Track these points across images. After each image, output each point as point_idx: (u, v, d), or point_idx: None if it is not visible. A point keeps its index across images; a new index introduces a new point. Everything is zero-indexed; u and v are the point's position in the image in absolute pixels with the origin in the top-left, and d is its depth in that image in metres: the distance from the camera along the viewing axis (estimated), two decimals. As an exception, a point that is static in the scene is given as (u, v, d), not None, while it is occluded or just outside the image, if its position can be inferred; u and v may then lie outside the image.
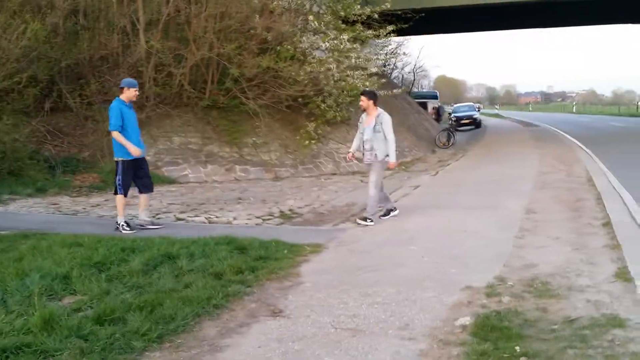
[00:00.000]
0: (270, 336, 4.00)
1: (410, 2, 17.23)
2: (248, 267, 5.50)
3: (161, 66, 13.55)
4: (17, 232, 7.25)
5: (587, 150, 17.04)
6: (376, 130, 7.94)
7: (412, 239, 6.72)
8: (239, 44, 13.61)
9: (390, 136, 7.93)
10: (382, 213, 8.37)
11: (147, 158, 13.18)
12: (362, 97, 8.11)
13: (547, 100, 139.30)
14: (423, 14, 17.21)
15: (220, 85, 14.35)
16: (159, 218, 8.92)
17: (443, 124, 32.56)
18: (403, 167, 15.96)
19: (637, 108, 51.61)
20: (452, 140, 22.47)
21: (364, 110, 8.14)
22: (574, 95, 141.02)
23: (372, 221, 7.89)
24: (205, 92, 14.20)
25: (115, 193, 7.74)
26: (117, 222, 7.70)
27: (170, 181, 12.61)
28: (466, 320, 4.00)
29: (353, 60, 14.10)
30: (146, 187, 8.04)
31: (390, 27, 14.62)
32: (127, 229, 7.57)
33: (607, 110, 67.71)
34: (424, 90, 50.18)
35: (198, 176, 13.04)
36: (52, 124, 12.82)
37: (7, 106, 11.73)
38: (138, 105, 13.45)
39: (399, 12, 15.72)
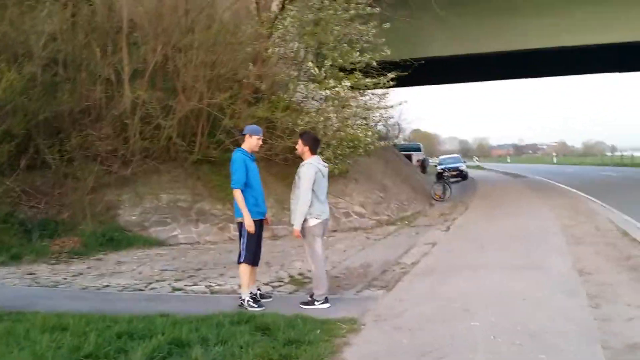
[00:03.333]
0: None
1: (404, 53, 16.52)
2: (280, 357, 4.36)
3: (148, 118, 12.51)
4: (-14, 312, 6.02)
5: (597, 201, 16.22)
6: (295, 185, 6.41)
7: (465, 310, 5.62)
8: (231, 93, 12.69)
9: (304, 193, 6.19)
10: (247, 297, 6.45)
11: (132, 218, 12.18)
12: (299, 141, 6.56)
13: (519, 152, 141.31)
14: (423, 62, 16.54)
15: (211, 138, 13.32)
16: (152, 288, 7.73)
17: (429, 176, 31.92)
18: (406, 222, 14.98)
19: (622, 157, 51.73)
20: (448, 192, 21.60)
21: (300, 156, 6.60)
22: (545, 147, 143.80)
23: (324, 302, 6.31)
24: (195, 146, 13.15)
25: (239, 262, 6.53)
26: (240, 298, 6.47)
27: (159, 243, 11.42)
28: None
29: (354, 109, 13.22)
30: (258, 257, 6.75)
31: (391, 75, 13.79)
32: (255, 305, 6.30)
33: (588, 160, 67.99)
34: (407, 142, 49.69)
35: (189, 237, 11.87)
36: (28, 183, 11.59)
37: (-22, 164, 10.56)
38: (123, 161, 12.49)
39: (398, 61, 14.95)
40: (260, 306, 6.28)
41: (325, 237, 6.74)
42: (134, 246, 10.96)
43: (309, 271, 8.68)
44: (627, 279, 6.63)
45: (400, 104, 14.36)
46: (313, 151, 6.49)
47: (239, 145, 12.93)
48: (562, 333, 4.71)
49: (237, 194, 6.41)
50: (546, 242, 9.48)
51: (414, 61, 15.51)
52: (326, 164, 6.61)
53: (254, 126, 6.85)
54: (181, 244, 11.55)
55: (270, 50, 13.51)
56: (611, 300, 5.70)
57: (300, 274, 8.53)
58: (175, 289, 7.65)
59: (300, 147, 6.53)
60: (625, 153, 54.76)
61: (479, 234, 11.04)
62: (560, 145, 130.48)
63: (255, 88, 13.44)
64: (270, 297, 6.82)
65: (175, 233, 11.82)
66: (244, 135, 6.65)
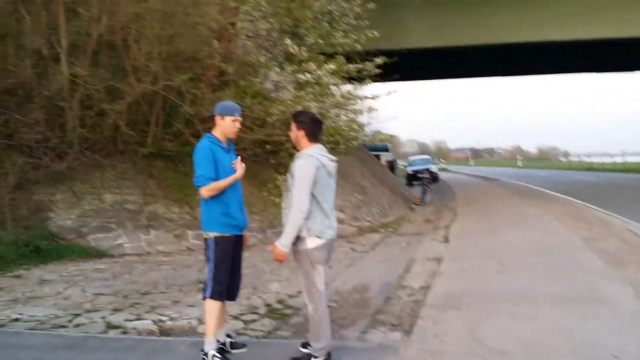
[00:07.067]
0: None
1: (380, 42, 14.64)
2: None
3: (90, 102, 10.35)
4: None
5: (598, 209, 14.64)
6: (287, 188, 4.43)
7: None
8: (192, 75, 10.61)
9: (299, 199, 4.19)
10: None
11: (67, 223, 9.97)
12: (292, 125, 4.52)
13: (477, 155, 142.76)
14: (413, 50, 14.81)
15: (167, 128, 11.22)
16: (78, 324, 5.62)
17: (399, 178, 30.59)
18: (391, 230, 13.15)
19: (591, 163, 51.21)
20: (427, 196, 19.91)
21: (295, 146, 4.67)
22: (501, 151, 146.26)
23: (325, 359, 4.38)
24: (147, 137, 11.02)
25: (204, 296, 4.47)
26: (202, 351, 4.40)
27: (99, 254, 9.27)
28: None
29: (337, 98, 11.29)
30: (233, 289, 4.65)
31: (378, 60, 11.86)
32: None
33: (554, 164, 67.63)
34: (376, 143, 48.28)
35: (137, 246, 9.74)
36: None
37: None
38: (57, 153, 10.28)
39: (383, 50, 13.05)
40: None
41: (329, 265, 4.70)
42: (66, 258, 8.80)
43: (290, 297, 6.77)
44: None
45: (389, 93, 12.39)
46: (312, 138, 4.42)
47: (199, 136, 10.95)
48: None
49: (204, 193, 4.39)
50: (579, 262, 7.68)
51: (400, 50, 13.73)
52: (334, 158, 4.54)
53: (228, 103, 4.72)
54: (127, 254, 9.44)
55: (238, 26, 11.47)
56: None
57: (279, 301, 6.55)
58: (110, 326, 5.56)
59: (294, 133, 4.46)
60: (597, 159, 54.23)
61: (488, 248, 9.20)
62: (516, 149, 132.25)
63: (220, 70, 11.39)
64: (244, 346, 4.76)
65: (120, 241, 9.68)
66: (214, 117, 4.56)
